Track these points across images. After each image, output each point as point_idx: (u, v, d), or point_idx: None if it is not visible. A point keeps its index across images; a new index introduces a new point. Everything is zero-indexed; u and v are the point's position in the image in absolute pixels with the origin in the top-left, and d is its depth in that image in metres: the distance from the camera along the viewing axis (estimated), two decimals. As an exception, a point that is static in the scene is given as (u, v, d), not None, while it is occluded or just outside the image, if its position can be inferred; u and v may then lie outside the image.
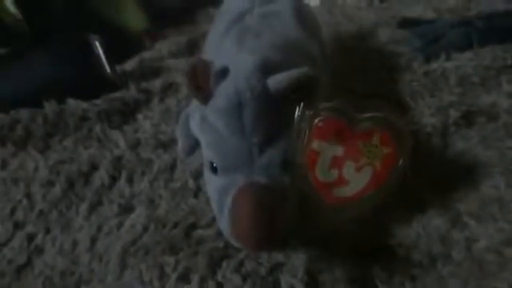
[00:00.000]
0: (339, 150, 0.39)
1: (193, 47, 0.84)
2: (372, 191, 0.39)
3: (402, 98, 0.58)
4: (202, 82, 0.39)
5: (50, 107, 0.58)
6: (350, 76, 0.62)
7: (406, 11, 0.89)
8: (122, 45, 0.83)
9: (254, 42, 0.43)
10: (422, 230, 0.41)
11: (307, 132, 0.38)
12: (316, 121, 0.38)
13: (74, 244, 0.44)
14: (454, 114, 0.54)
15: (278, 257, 0.39)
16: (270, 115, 0.38)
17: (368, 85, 0.60)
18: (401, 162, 0.39)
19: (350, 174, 0.39)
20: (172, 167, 0.51)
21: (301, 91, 0.38)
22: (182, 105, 0.62)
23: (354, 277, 0.38)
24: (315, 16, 0.61)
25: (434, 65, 0.66)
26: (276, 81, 0.37)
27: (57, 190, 0.48)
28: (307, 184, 0.39)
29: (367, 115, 0.38)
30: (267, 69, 0.38)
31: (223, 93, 0.38)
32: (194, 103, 0.44)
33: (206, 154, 0.41)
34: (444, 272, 0.38)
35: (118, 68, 0.74)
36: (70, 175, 0.50)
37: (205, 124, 0.40)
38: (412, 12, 0.88)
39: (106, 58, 0.66)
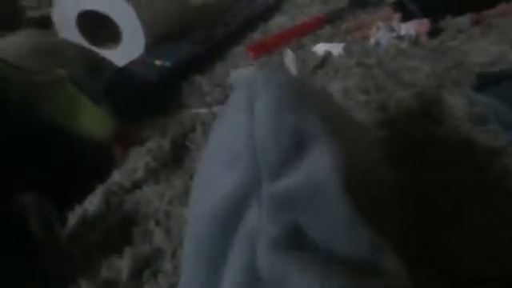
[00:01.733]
0: None
1: (179, 153, 0.60)
2: None
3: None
4: None
5: None
6: (435, 222, 0.37)
7: (473, 52, 0.62)
8: (81, 163, 0.59)
9: None
10: None
11: None
12: None
13: None
14: None
15: None
16: None
17: (469, 239, 0.35)
18: None
19: None
20: None
21: None
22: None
23: None
24: (363, 139, 0.36)
25: None
26: None
27: None
28: None
29: None
30: None
31: None
32: None
33: None
34: None
35: (78, 212, 0.51)
36: None
37: None
38: (482, 53, 0.61)
39: (47, 233, 0.42)
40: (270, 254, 0.22)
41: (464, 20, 0.70)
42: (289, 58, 0.45)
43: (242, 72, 0.41)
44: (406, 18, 0.72)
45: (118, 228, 0.48)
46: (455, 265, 0.33)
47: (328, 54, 0.73)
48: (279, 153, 0.27)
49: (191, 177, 0.54)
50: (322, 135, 0.29)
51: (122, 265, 0.42)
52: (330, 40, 0.77)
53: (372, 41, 0.72)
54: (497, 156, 0.44)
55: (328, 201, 0.25)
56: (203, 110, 0.69)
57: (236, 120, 0.31)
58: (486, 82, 0.53)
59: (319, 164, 0.27)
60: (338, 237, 0.24)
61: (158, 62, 0.78)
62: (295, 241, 0.24)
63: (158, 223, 0.47)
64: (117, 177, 0.57)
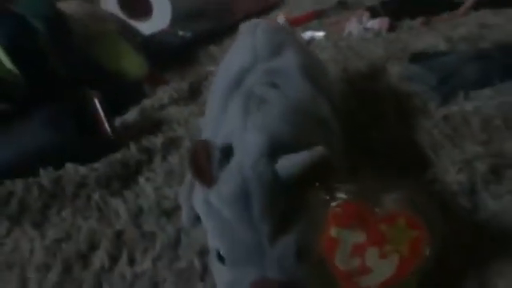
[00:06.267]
0: (361, 237, 0.34)
1: (195, 92, 0.81)
2: (399, 280, 0.35)
3: (422, 150, 0.54)
4: (204, 166, 0.35)
5: (46, 175, 0.55)
6: (365, 127, 0.58)
7: (416, 42, 0.85)
8: (122, 92, 0.80)
9: (260, 114, 0.39)
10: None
11: (323, 218, 0.34)
12: (333, 205, 0.34)
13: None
14: (480, 167, 0.49)
15: None
16: (281, 202, 0.34)
17: (385, 132, 0.56)
18: (431, 244, 0.35)
19: (373, 262, 0.35)
20: (176, 241, 0.47)
21: (315, 173, 0.34)
22: (185, 164, 0.58)
23: None
24: (322, 65, 0.58)
25: (454, 108, 0.61)
26: (286, 166, 0.34)
27: (53, 274, 0.45)
28: (326, 276, 0.35)
29: (390, 197, 0.35)
30: (275, 149, 0.35)
31: (228, 180, 0.34)
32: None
33: (212, 240, 0.37)
34: None
35: (119, 121, 0.71)
36: (67, 257, 0.46)
37: (208, 208, 0.36)
38: (422, 43, 0.84)
39: (106, 116, 0.63)
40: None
41: (416, 22, 0.94)
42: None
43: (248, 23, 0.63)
44: (373, 17, 0.95)
45: (150, 127, 0.68)
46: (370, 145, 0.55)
47: (312, 39, 0.95)
48: (269, 50, 0.49)
49: (204, 105, 0.75)
50: (292, 46, 0.50)
51: (157, 141, 0.62)
52: (316, 30, 1.00)
53: (346, 31, 0.95)
54: (416, 98, 0.65)
55: (291, 73, 0.46)
56: (213, 68, 0.90)
57: (244, 41, 0.52)
58: (419, 57, 0.75)
59: (290, 58, 0.48)
60: (293, 86, 0.45)
61: (181, 33, 1.00)
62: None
63: (179, 124, 0.68)
64: (148, 102, 0.78)
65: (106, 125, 0.63)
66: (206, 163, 0.35)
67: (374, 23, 0.93)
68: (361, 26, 0.93)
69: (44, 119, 0.60)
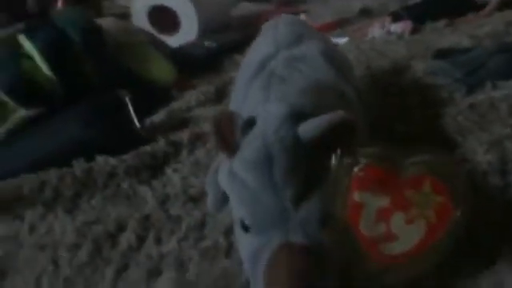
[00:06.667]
0: (385, 201, 0.34)
1: (221, 95, 0.83)
2: (427, 248, 0.34)
3: (448, 136, 0.53)
4: (227, 135, 0.36)
5: (78, 166, 0.57)
6: (389, 116, 0.58)
7: (441, 41, 0.85)
8: (151, 96, 0.84)
9: (281, 88, 0.40)
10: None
11: (346, 182, 0.34)
12: (355, 169, 0.34)
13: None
14: (510, 147, 0.48)
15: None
16: (304, 166, 0.34)
17: (409, 124, 0.56)
18: (458, 211, 0.34)
19: (399, 228, 0.34)
20: (202, 224, 0.48)
21: (336, 137, 0.34)
22: (211, 156, 0.59)
23: None
24: (346, 57, 0.59)
25: (481, 96, 0.60)
26: (307, 129, 0.34)
27: (83, 253, 0.46)
28: (351, 241, 0.34)
29: (414, 159, 0.34)
30: (297, 117, 0.35)
31: (250, 145, 0.35)
32: (222, 155, 0.42)
33: (236, 210, 0.37)
34: None
35: (148, 121, 0.74)
36: (96, 237, 0.47)
37: (233, 178, 0.37)
38: (447, 41, 0.84)
39: (136, 114, 0.65)
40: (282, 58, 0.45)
41: (440, 23, 0.94)
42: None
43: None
44: (396, 21, 0.96)
45: (178, 125, 0.70)
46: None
47: (336, 44, 0.96)
48: (290, 39, 0.50)
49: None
50: (314, 38, 0.52)
51: (183, 136, 0.64)
52: (339, 36, 1.02)
53: (369, 36, 0.96)
54: (441, 90, 0.65)
55: (313, 58, 0.47)
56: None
57: (266, 34, 0.54)
58: (443, 54, 0.75)
59: (312, 46, 0.49)
60: (315, 69, 0.46)
61: (206, 43, 1.04)
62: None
63: (205, 120, 0.70)
64: (176, 104, 0.81)
65: (136, 122, 0.65)
66: (230, 131, 0.36)
67: (397, 27, 0.93)
68: (383, 30, 0.93)
69: (79, 117, 0.63)
